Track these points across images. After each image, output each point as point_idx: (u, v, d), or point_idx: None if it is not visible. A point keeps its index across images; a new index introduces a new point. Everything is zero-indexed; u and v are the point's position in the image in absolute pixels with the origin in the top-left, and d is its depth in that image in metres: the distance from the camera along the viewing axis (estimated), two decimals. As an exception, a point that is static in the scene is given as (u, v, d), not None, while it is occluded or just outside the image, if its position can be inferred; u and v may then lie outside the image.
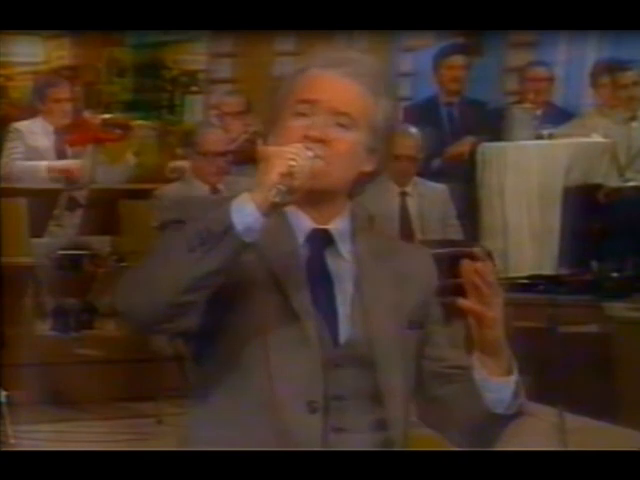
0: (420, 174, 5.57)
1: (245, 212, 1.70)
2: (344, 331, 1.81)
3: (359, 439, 1.79)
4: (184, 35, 7.31)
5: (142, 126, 6.65)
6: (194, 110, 7.38)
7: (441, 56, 6.46)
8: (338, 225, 1.85)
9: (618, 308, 5.21)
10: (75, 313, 5.49)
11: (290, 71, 1.88)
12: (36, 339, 5.23)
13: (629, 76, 6.19)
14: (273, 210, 1.71)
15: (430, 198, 5.49)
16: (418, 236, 5.36)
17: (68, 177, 5.88)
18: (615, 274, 5.36)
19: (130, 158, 6.25)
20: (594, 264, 5.64)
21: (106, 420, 4.79)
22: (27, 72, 7.36)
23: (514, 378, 1.85)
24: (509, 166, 6.01)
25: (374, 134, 1.82)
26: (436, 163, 6.12)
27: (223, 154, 5.34)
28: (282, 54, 7.45)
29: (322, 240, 1.84)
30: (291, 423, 1.75)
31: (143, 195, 5.28)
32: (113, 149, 6.20)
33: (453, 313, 5.54)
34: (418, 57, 7.26)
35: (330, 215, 1.84)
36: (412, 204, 5.50)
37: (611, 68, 6.27)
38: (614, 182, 5.93)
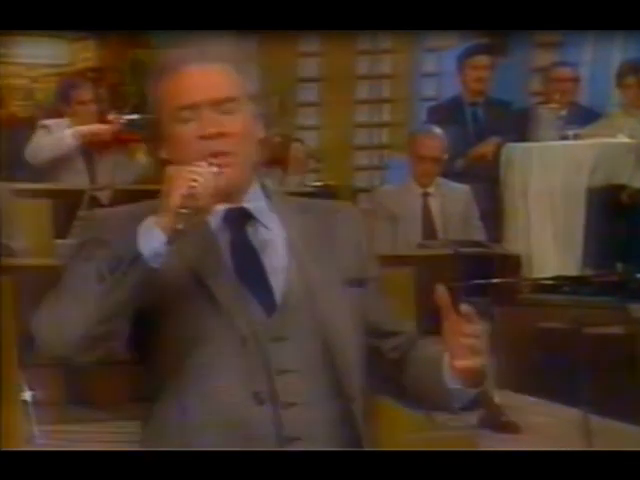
0: (443, 174, 5.56)
1: (151, 237, 1.67)
2: (280, 298, 1.78)
3: (313, 412, 1.75)
4: (208, 36, 7.32)
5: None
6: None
7: (466, 56, 6.44)
8: (252, 199, 1.83)
9: (643, 309, 5.17)
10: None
11: (152, 77, 1.85)
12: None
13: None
14: (179, 235, 1.68)
15: (453, 199, 5.48)
16: (441, 236, 5.35)
17: (94, 143, 5.91)
18: (639, 275, 5.33)
19: (142, 158, 6.26)
20: (619, 265, 5.61)
21: (131, 420, 4.80)
22: (52, 74, 7.41)
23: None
24: (534, 166, 5.99)
25: (255, 101, 1.84)
26: (460, 164, 6.11)
27: None
28: (306, 55, 7.46)
29: (240, 218, 1.82)
30: (241, 418, 1.72)
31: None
32: (138, 151, 6.22)
33: (478, 313, 5.46)
34: (442, 57, 7.25)
35: (241, 193, 1.82)
36: (435, 205, 5.49)
37: (637, 68, 6.23)
38: (639, 183, 5.90)
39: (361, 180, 7.47)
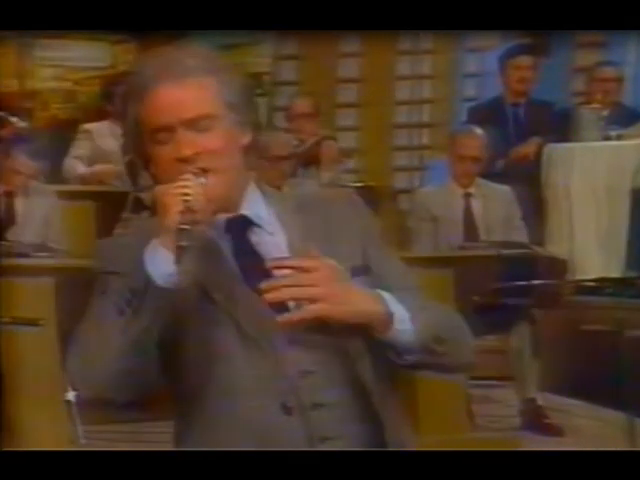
0: (484, 175, 5.53)
1: (158, 261, 1.66)
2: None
3: (339, 410, 1.73)
4: (249, 38, 7.34)
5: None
6: (260, 113, 7.41)
7: (508, 56, 6.40)
8: (251, 205, 1.81)
9: (688, 312, 5.11)
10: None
11: (128, 97, 1.79)
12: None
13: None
14: (185, 253, 1.65)
15: (495, 199, 5.45)
16: (482, 238, 5.33)
17: (101, 181, 5.97)
18: (685, 277, 5.27)
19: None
20: (663, 267, 5.55)
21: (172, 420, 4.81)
22: (94, 76, 7.46)
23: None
24: (576, 167, 5.94)
25: (236, 109, 1.77)
26: (501, 164, 6.07)
27: (288, 157, 5.35)
28: (347, 55, 7.45)
29: (242, 226, 1.79)
30: (271, 431, 1.71)
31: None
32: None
33: (517, 314, 5.43)
34: (484, 58, 7.22)
35: (238, 197, 1.80)
36: (476, 205, 5.46)
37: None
38: (684, 183, 5.84)
39: (401, 181, 7.45)
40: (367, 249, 1.83)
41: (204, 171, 1.72)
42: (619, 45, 6.84)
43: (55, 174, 6.11)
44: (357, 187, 6.12)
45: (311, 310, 1.70)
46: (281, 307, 1.73)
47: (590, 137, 6.06)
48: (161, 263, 1.66)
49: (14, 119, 6.22)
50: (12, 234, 5.16)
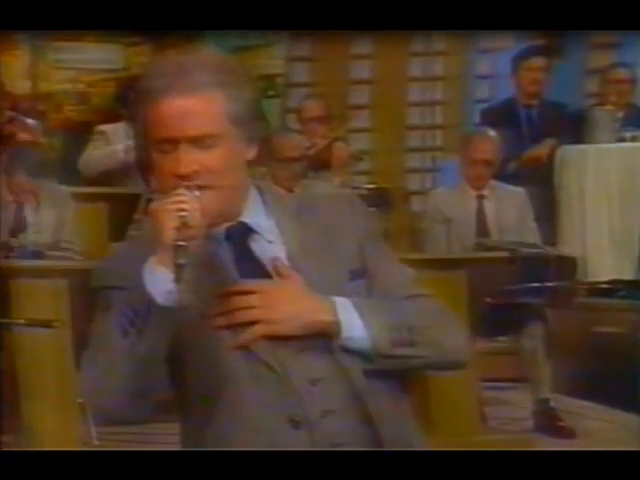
0: (498, 177, 5.53)
1: (157, 279, 1.64)
2: None
3: (348, 415, 1.73)
4: (262, 39, 7.35)
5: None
6: (272, 115, 7.42)
7: (521, 58, 6.39)
8: (251, 211, 1.79)
9: (702, 313, 5.10)
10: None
11: (136, 100, 1.77)
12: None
13: None
14: (184, 271, 1.64)
15: (508, 201, 5.44)
16: (495, 239, 5.32)
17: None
18: (699, 279, 5.26)
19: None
20: (677, 269, 5.53)
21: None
22: (108, 79, 7.47)
23: None
24: (589, 169, 5.93)
25: (242, 125, 1.75)
26: (514, 166, 6.06)
27: (300, 159, 5.35)
28: (359, 57, 7.45)
29: (242, 234, 1.78)
30: (280, 446, 1.70)
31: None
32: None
33: (529, 315, 5.43)
34: (497, 59, 7.21)
35: (238, 207, 1.78)
36: (489, 207, 5.46)
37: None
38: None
39: (413, 182, 7.44)
40: (364, 249, 1.82)
41: (201, 188, 1.70)
42: (633, 46, 6.81)
43: (69, 176, 6.12)
44: (369, 189, 6.12)
45: (252, 332, 1.72)
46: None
47: (604, 139, 6.04)
48: (160, 281, 1.64)
49: (28, 121, 6.24)
50: (25, 237, 5.17)
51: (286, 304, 1.73)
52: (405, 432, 1.80)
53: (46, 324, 4.08)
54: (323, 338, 1.75)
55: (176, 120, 1.71)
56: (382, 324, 1.77)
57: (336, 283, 1.78)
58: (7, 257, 4.63)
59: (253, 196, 1.81)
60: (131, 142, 6.00)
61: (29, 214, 5.22)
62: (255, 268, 1.77)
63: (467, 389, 4.32)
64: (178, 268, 1.64)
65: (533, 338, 4.83)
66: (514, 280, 4.91)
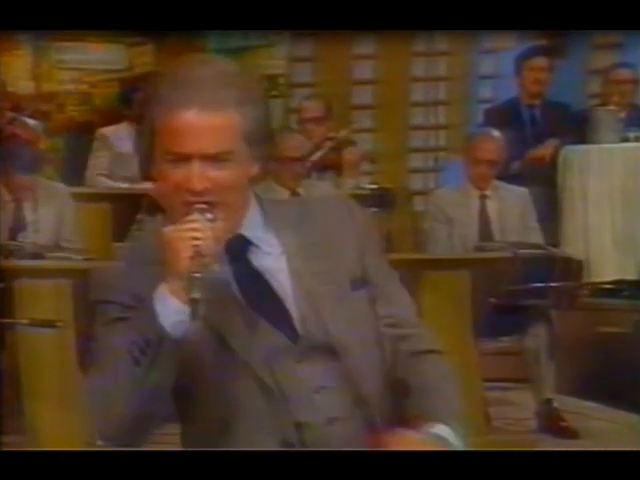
0: (501, 177, 5.52)
1: (170, 311, 1.62)
2: (298, 321, 1.74)
3: (351, 423, 1.74)
4: (264, 40, 7.35)
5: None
6: (275, 115, 7.43)
7: (523, 58, 6.39)
8: (250, 223, 1.77)
9: None
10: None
11: (150, 108, 1.73)
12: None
13: None
14: (199, 305, 1.61)
15: (511, 201, 5.44)
16: (498, 239, 5.32)
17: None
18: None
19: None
20: (680, 269, 5.53)
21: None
22: (110, 79, 7.48)
23: None
24: (592, 169, 5.93)
25: (254, 143, 1.73)
26: (517, 166, 6.06)
27: (301, 159, 5.35)
28: (362, 57, 7.45)
29: (240, 247, 1.76)
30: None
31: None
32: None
33: (533, 316, 5.41)
34: (500, 59, 7.20)
35: (238, 221, 1.76)
36: (492, 207, 5.45)
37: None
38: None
39: (416, 182, 7.44)
40: (364, 257, 1.81)
41: (210, 204, 1.68)
42: (636, 46, 6.80)
43: (72, 176, 6.12)
44: (372, 189, 6.12)
45: None
46: (292, 334, 1.73)
47: (607, 139, 6.03)
48: (173, 313, 1.62)
49: (31, 122, 6.24)
50: (24, 236, 5.17)
51: None
52: None
53: (49, 324, 4.08)
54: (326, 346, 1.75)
55: (193, 135, 1.68)
56: None
57: (338, 293, 1.77)
58: (8, 257, 4.63)
59: (252, 207, 1.80)
60: (130, 185, 6.03)
61: (28, 213, 5.22)
62: (254, 281, 1.76)
63: (471, 390, 4.32)
64: (194, 303, 1.61)
65: (536, 338, 4.82)
66: (517, 281, 4.90)
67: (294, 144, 5.39)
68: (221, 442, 1.73)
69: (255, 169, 1.76)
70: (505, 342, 4.94)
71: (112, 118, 6.51)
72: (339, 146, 6.27)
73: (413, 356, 1.82)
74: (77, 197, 5.46)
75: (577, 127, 6.15)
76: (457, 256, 5.06)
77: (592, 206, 5.87)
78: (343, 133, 6.42)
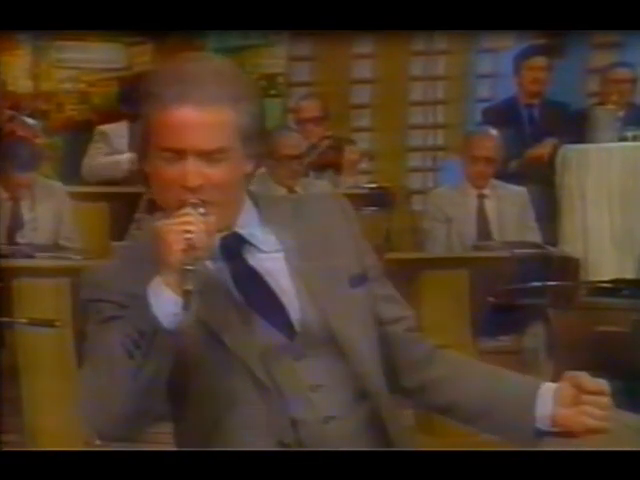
0: (499, 176, 5.53)
1: (163, 301, 1.62)
2: (296, 318, 1.74)
3: (349, 421, 1.74)
4: (263, 39, 7.35)
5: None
6: (274, 114, 7.42)
7: (522, 57, 6.40)
8: (245, 221, 1.77)
9: None
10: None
11: (144, 104, 1.72)
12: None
13: None
14: (192, 296, 1.62)
15: (509, 200, 5.45)
16: (496, 238, 5.33)
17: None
18: (701, 278, 5.26)
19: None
20: (679, 268, 5.53)
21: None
22: (109, 78, 7.47)
23: None
24: (591, 168, 5.93)
25: (248, 140, 1.73)
26: (515, 165, 6.07)
27: (299, 157, 5.35)
28: (360, 56, 7.45)
29: (236, 245, 1.76)
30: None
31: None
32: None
33: (531, 315, 5.41)
34: (499, 58, 7.21)
35: (232, 218, 1.76)
36: (490, 206, 5.46)
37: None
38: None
39: (415, 182, 7.45)
40: (364, 256, 1.82)
41: (204, 202, 1.68)
42: (634, 46, 6.81)
43: (70, 175, 6.12)
44: (371, 188, 6.12)
45: None
46: (290, 331, 1.73)
47: (605, 138, 6.04)
48: (166, 305, 1.62)
49: (29, 120, 6.24)
50: (22, 235, 5.17)
51: None
52: (407, 434, 1.80)
53: (48, 323, 4.08)
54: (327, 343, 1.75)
55: (188, 131, 1.68)
56: None
57: (338, 289, 1.77)
58: (7, 256, 4.63)
59: (247, 205, 1.80)
60: (133, 153, 6.02)
61: (26, 212, 5.22)
62: (251, 279, 1.76)
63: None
64: (187, 294, 1.62)
65: (535, 337, 4.83)
66: (515, 280, 4.91)
67: (292, 142, 5.40)
68: (213, 439, 1.73)
69: (249, 167, 1.76)
70: (503, 341, 4.94)
71: (111, 117, 6.51)
72: (337, 145, 6.27)
73: (433, 351, 1.84)
74: (75, 196, 5.47)
75: (576, 126, 6.15)
76: (456, 255, 5.07)
77: (591, 205, 5.87)
78: (341, 132, 6.42)
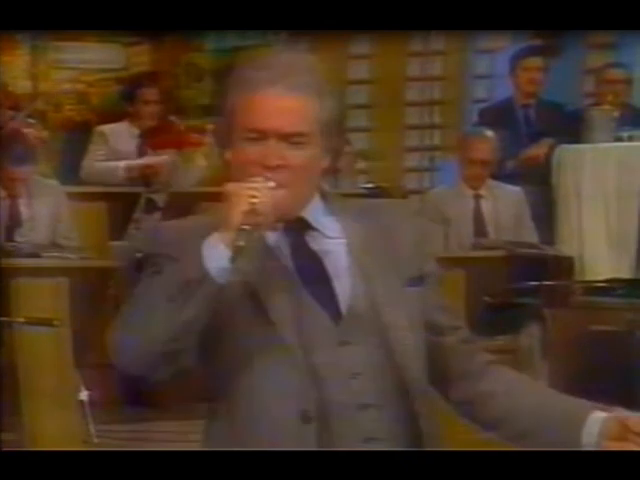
0: (495, 177, 5.55)
1: (217, 255, 1.69)
2: (345, 304, 1.80)
3: (384, 412, 1.78)
4: (261, 39, 7.36)
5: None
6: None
7: (518, 58, 6.41)
8: (311, 209, 1.84)
9: (698, 312, 5.12)
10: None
11: (231, 85, 1.82)
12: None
13: None
14: (242, 252, 1.69)
15: (505, 201, 5.47)
16: (493, 238, 5.34)
17: (146, 175, 5.97)
18: (695, 278, 5.28)
19: (202, 162, 6.30)
20: (674, 268, 5.55)
21: (186, 420, 4.84)
22: (107, 78, 7.48)
23: None
24: (586, 168, 5.95)
25: (327, 135, 1.81)
26: (511, 165, 6.08)
27: None
28: (357, 57, 7.46)
29: (300, 228, 1.83)
30: (286, 437, 1.74)
31: (219, 198, 5.35)
32: (187, 153, 6.27)
33: (527, 314, 5.42)
34: (495, 59, 7.22)
35: (301, 203, 1.83)
36: (487, 207, 5.48)
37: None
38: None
39: (411, 182, 7.46)
40: (423, 264, 1.87)
41: (279, 183, 1.76)
42: (629, 46, 6.83)
43: (69, 175, 6.12)
44: (368, 188, 6.14)
45: None
46: (336, 315, 1.78)
47: (601, 138, 6.05)
48: (218, 258, 1.69)
49: (29, 120, 6.25)
50: (20, 235, 5.17)
51: None
52: (438, 433, 1.84)
53: (46, 323, 4.09)
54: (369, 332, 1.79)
55: (275, 114, 1.77)
56: None
57: (394, 287, 1.82)
58: (5, 256, 4.64)
59: (316, 199, 1.87)
60: (130, 163, 6.03)
61: (24, 211, 5.22)
62: (309, 259, 1.82)
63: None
64: (237, 249, 1.69)
65: (530, 337, 4.84)
66: (512, 279, 4.93)
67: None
68: (241, 404, 1.77)
69: (325, 161, 1.84)
70: (499, 340, 4.96)
71: (109, 117, 6.52)
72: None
73: (487, 365, 1.89)
74: (74, 196, 5.48)
75: (571, 127, 6.17)
76: (453, 255, 5.08)
77: (586, 205, 5.89)
78: None
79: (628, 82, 6.37)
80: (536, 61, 6.37)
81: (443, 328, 1.88)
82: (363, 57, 7.46)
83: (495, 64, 7.19)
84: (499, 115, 6.26)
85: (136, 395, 5.02)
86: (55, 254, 4.97)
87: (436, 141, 7.55)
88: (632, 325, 4.89)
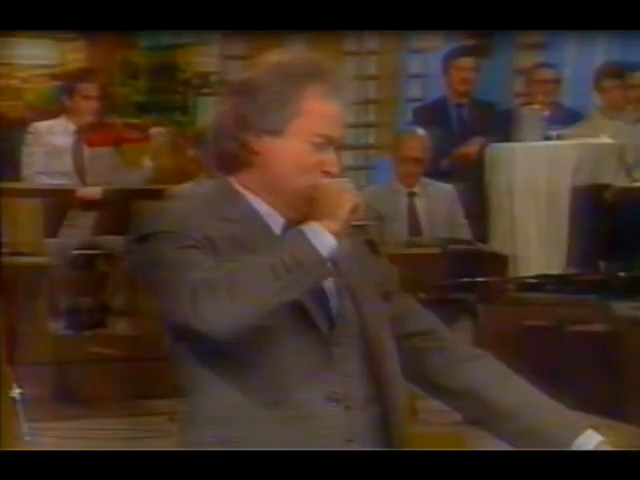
0: (429, 175, 5.62)
1: (327, 243, 1.77)
2: (336, 312, 1.88)
3: (365, 415, 1.86)
4: (196, 38, 7.35)
5: (158, 129, 6.69)
6: (207, 112, 7.42)
7: (450, 58, 6.49)
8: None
9: (626, 307, 5.24)
10: (88, 312, 5.54)
11: (306, 82, 1.92)
12: (50, 337, 5.28)
13: (638, 77, 6.23)
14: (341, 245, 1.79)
15: (438, 198, 5.54)
16: (426, 235, 5.41)
17: (92, 140, 5.92)
18: (623, 273, 5.40)
19: (147, 161, 6.28)
20: (602, 264, 5.66)
21: (119, 418, 4.83)
22: (42, 74, 7.42)
23: None
24: (517, 167, 6.04)
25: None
26: (445, 164, 6.16)
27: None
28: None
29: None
30: (312, 415, 1.79)
31: (156, 196, 5.34)
32: (130, 152, 6.24)
33: (460, 310, 5.50)
34: (428, 59, 7.29)
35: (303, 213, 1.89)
36: (420, 204, 5.55)
37: (616, 71, 6.28)
38: (622, 182, 5.97)
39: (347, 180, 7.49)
40: (391, 274, 2.01)
41: None
42: (558, 46, 6.95)
43: (4, 171, 6.06)
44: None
45: None
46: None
47: (531, 137, 6.16)
48: (330, 247, 1.76)
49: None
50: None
51: None
52: (404, 442, 1.92)
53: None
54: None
55: (341, 124, 1.91)
56: None
57: (374, 299, 1.92)
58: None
59: None
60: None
61: None
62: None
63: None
64: (341, 242, 1.78)
65: (464, 332, 4.91)
66: (445, 275, 4.99)
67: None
68: (269, 385, 1.80)
69: None
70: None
71: (44, 114, 6.47)
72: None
73: (467, 361, 1.99)
74: (8, 193, 5.43)
75: (502, 125, 6.27)
76: (387, 252, 5.13)
77: (517, 202, 5.98)
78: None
79: (557, 82, 6.49)
80: (468, 61, 6.45)
81: (417, 332, 2.02)
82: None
83: (429, 64, 7.26)
84: (433, 114, 6.34)
85: (69, 393, 5.01)
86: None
87: (371, 140, 7.61)
88: (562, 320, 4.99)
